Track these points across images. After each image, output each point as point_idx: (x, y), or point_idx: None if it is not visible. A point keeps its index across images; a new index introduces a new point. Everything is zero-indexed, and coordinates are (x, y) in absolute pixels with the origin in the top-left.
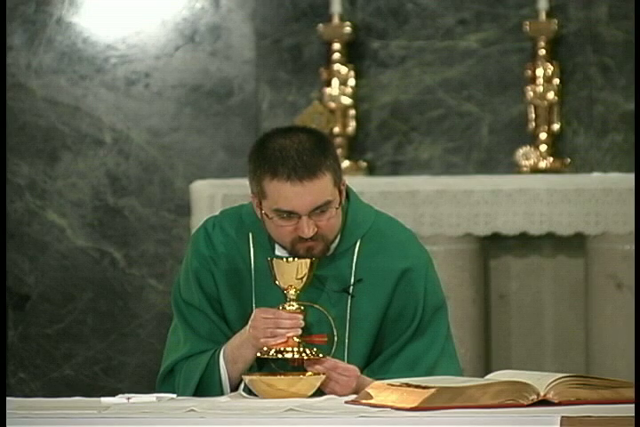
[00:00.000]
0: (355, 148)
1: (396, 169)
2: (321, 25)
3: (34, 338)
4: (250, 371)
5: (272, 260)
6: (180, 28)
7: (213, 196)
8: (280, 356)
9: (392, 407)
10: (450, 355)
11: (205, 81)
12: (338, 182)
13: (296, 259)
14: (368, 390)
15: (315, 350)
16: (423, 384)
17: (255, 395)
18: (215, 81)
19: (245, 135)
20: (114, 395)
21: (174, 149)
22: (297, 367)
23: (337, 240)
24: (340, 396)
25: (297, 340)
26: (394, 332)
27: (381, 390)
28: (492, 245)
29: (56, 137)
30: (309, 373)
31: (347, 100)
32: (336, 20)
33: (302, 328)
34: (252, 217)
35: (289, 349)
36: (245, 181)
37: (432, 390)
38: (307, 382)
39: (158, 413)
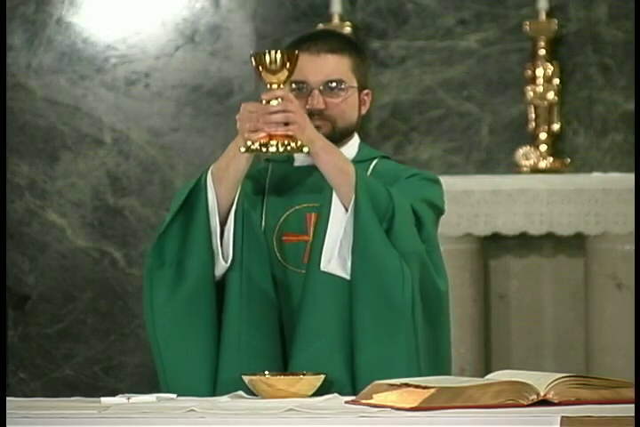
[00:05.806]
0: None
1: None
2: (321, 25)
3: (34, 338)
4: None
5: (256, 55)
6: (180, 28)
7: None
8: (264, 149)
9: (392, 407)
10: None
11: (205, 81)
12: (358, 74)
13: (279, 51)
14: (368, 390)
15: (299, 143)
16: (423, 384)
17: (255, 395)
18: (215, 81)
19: None
20: (114, 395)
21: (174, 149)
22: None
23: (356, 149)
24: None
25: (280, 134)
26: None
27: (381, 390)
28: (492, 245)
29: (56, 137)
30: (309, 373)
31: None
32: (336, 20)
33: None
34: None
35: (273, 142)
36: None
37: (432, 390)
38: (307, 382)
39: (158, 413)
